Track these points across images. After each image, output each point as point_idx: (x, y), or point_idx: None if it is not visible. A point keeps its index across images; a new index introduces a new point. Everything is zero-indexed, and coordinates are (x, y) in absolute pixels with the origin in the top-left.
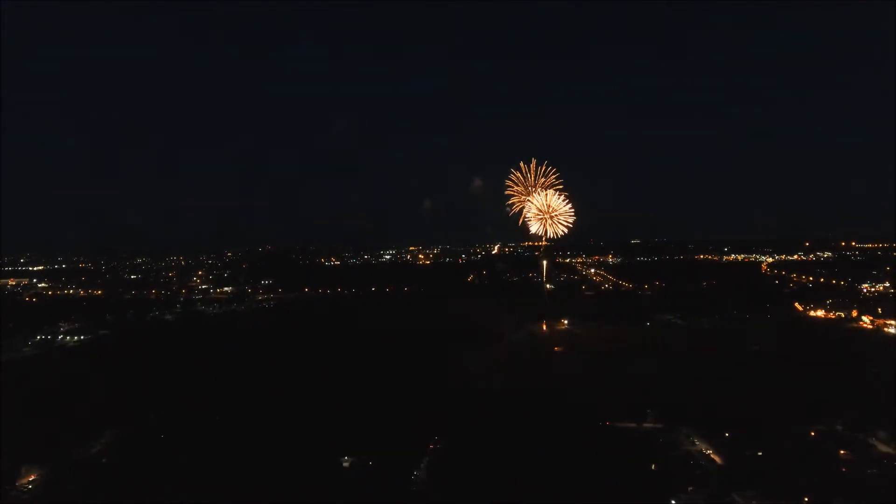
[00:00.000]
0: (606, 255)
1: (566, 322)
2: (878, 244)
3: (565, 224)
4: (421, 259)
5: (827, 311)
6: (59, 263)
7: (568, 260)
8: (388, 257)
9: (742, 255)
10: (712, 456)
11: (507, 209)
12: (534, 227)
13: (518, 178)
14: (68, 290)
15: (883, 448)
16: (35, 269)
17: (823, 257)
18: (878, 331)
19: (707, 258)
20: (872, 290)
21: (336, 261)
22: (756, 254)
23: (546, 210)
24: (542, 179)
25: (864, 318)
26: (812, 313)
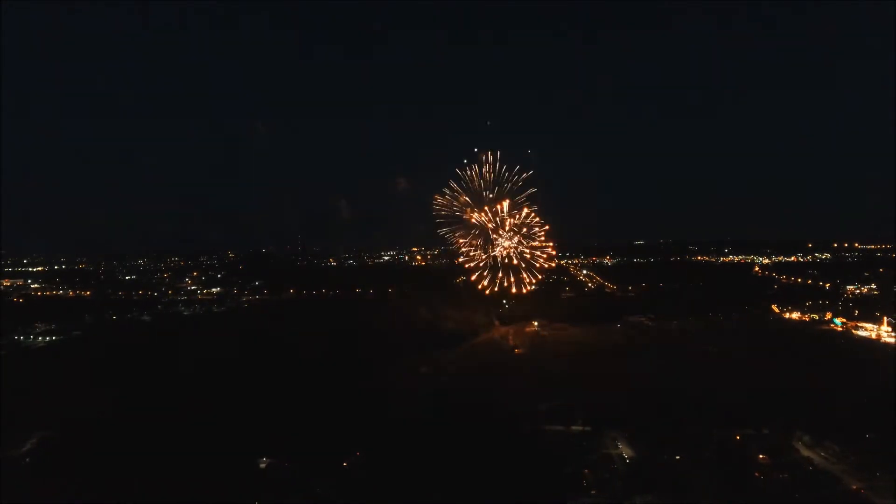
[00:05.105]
0: (606, 256)
1: (536, 324)
2: (879, 245)
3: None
4: (419, 260)
5: (803, 313)
6: (60, 264)
7: (564, 262)
8: (387, 258)
9: (740, 257)
10: (629, 459)
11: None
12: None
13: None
14: (58, 290)
15: (804, 452)
16: (35, 269)
17: (821, 258)
18: (846, 333)
19: (704, 259)
20: (857, 292)
21: (333, 262)
22: (756, 255)
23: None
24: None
25: (836, 320)
26: (788, 315)
